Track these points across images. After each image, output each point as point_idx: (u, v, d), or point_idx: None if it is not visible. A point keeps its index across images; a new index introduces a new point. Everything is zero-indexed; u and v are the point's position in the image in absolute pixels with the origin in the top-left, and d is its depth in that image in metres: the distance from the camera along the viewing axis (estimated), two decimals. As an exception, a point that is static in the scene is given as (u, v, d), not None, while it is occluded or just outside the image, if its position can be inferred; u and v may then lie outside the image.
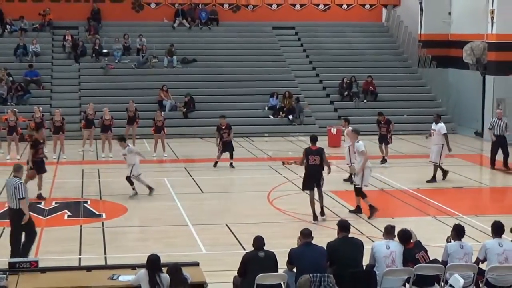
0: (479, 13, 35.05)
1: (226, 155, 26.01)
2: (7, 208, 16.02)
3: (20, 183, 15.10)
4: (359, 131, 21.06)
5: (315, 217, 18.86)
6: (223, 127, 26.05)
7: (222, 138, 25.93)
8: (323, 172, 19.19)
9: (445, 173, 24.36)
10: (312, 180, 19.09)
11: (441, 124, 24.38)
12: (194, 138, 32.85)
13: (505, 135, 25.87)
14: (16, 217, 15.07)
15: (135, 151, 21.56)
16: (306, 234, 12.45)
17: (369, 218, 19.23)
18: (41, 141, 21.55)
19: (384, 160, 27.05)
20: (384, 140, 27.17)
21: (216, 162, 25.99)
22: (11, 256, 14.58)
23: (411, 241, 12.86)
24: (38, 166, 20.77)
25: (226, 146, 25.94)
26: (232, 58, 39.06)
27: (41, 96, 34.90)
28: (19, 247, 15.10)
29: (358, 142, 20.10)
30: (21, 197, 14.90)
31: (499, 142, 25.91)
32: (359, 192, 19.73)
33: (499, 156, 26.17)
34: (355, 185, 19.94)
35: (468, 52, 34.69)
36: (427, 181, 23.97)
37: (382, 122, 27.24)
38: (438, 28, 39.47)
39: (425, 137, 26.25)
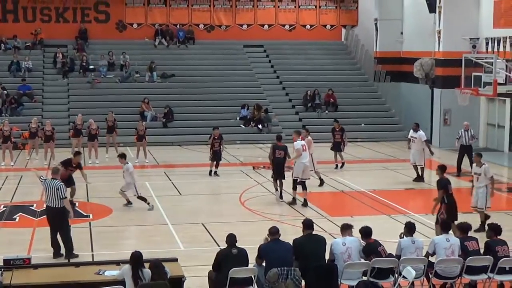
0: (427, 33, 35.27)
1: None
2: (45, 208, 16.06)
3: (61, 184, 15.35)
4: (300, 132, 22.04)
5: (280, 196, 21.21)
6: (216, 137, 25.69)
7: (213, 147, 25.49)
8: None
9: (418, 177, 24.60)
10: (278, 168, 21.20)
11: (421, 132, 24.68)
12: (173, 146, 32.75)
13: (471, 145, 25.83)
14: (58, 215, 15.30)
15: (131, 171, 20.14)
16: (274, 232, 12.47)
17: (288, 203, 20.79)
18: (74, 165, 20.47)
19: (342, 165, 26.88)
20: (337, 147, 26.82)
21: (211, 171, 25.53)
22: (54, 256, 15.31)
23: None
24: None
25: (215, 155, 25.51)
26: (207, 73, 38.97)
27: (33, 108, 34.61)
28: (59, 243, 15.45)
29: (298, 141, 21.06)
30: (63, 196, 15.22)
31: (464, 151, 25.89)
32: (294, 183, 20.89)
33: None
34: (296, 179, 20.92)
35: (418, 68, 34.87)
36: (414, 180, 24.44)
37: (337, 130, 26.97)
38: (391, 46, 39.68)
39: (408, 147, 25.79)
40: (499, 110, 32.24)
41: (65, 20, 40.22)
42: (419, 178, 24.50)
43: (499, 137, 32.23)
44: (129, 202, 20.43)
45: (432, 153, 24.86)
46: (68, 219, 15.62)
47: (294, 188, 20.95)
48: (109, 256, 15.06)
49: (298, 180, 20.81)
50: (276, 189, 21.61)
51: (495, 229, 13.28)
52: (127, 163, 20.29)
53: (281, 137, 21.83)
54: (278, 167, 21.24)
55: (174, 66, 39.11)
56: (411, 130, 25.17)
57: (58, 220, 15.39)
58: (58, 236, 15.49)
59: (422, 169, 24.66)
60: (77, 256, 15.31)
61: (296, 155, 20.87)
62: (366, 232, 12.98)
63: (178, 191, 23.11)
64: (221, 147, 25.82)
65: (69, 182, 19.77)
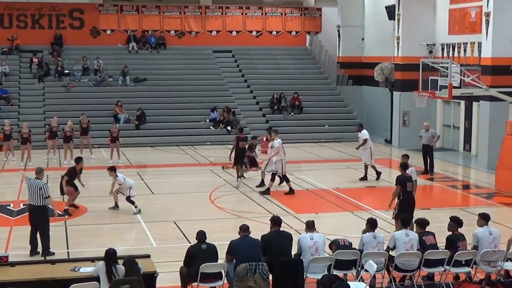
0: (387, 39, 35.54)
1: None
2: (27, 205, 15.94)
3: (44, 184, 15.33)
4: (278, 131, 23.50)
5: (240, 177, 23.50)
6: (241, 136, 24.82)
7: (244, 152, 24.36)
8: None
9: (378, 174, 24.58)
10: (241, 157, 23.59)
11: (363, 131, 24.75)
12: (145, 147, 32.59)
13: (432, 145, 25.97)
14: (39, 213, 15.27)
15: (122, 182, 19.60)
16: (244, 229, 12.49)
17: (285, 194, 21.95)
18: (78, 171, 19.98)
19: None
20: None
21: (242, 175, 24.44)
22: (31, 254, 15.18)
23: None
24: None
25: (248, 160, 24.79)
26: (178, 77, 38.87)
27: (10, 111, 34.21)
28: (37, 242, 15.36)
29: (277, 140, 22.30)
30: (46, 196, 15.18)
31: (425, 151, 26.09)
32: (285, 178, 22.31)
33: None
34: (275, 173, 22.24)
35: (378, 72, 35.09)
36: (360, 179, 24.45)
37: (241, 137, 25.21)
38: (353, 52, 39.91)
39: (356, 147, 25.68)
40: (454, 112, 32.55)
41: (41, 27, 39.87)
42: (377, 175, 24.57)
43: (454, 138, 32.54)
44: (116, 206, 19.91)
45: (357, 148, 25.10)
46: (49, 218, 15.53)
47: (272, 180, 22.19)
48: (84, 253, 15.00)
49: (278, 173, 22.25)
50: (239, 177, 23.50)
51: (457, 221, 13.38)
52: (117, 175, 19.55)
53: (242, 129, 25.68)
54: (241, 155, 23.56)
55: (146, 70, 38.93)
56: (358, 132, 25.33)
57: (40, 218, 15.31)
58: (37, 235, 15.37)
59: (366, 167, 24.57)
60: (53, 253, 15.18)
61: (276, 152, 22.04)
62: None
63: (150, 190, 23.01)
64: (254, 152, 25.42)
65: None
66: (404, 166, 17.17)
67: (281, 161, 22.21)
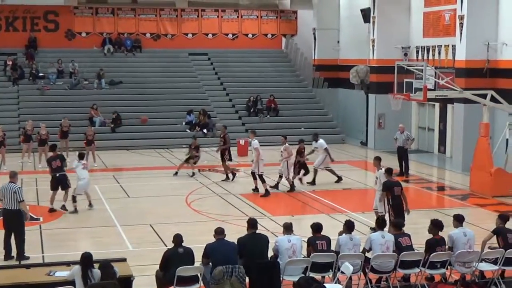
0: (362, 42, 35.72)
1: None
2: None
3: (18, 187, 15.24)
4: (255, 131, 24.04)
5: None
6: (221, 136, 25.64)
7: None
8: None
9: (339, 178, 24.66)
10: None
11: (321, 141, 24.53)
12: (121, 150, 32.45)
13: (406, 147, 26.03)
14: (14, 217, 15.15)
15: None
16: (219, 232, 12.46)
17: (261, 196, 22.07)
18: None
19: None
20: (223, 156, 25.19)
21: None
22: (5, 259, 15.03)
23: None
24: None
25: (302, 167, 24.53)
26: (154, 80, 38.76)
27: (-16, 114, 33.98)
28: (11, 246, 15.24)
29: (254, 140, 22.74)
30: (21, 200, 15.08)
31: (400, 153, 26.20)
32: (261, 178, 22.44)
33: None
34: (254, 172, 22.60)
35: (353, 75, 35.24)
36: (308, 183, 24.25)
37: (221, 136, 25.63)
38: (329, 54, 40.07)
39: (308, 154, 24.70)
40: (429, 114, 32.78)
41: (15, 29, 39.59)
42: (313, 182, 24.28)
43: (429, 139, 32.76)
44: (90, 204, 20.26)
45: (332, 160, 24.60)
46: (23, 222, 15.39)
47: (263, 181, 22.38)
48: (60, 257, 14.86)
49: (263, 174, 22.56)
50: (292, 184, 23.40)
51: (438, 225, 13.42)
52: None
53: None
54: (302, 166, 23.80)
55: (122, 73, 38.79)
56: (313, 142, 24.92)
57: (14, 222, 15.19)
58: (12, 239, 15.24)
59: (316, 171, 24.36)
60: (28, 258, 15.06)
61: (257, 154, 22.41)
62: (316, 227, 13.17)
63: (126, 194, 22.91)
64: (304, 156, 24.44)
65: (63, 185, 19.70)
66: (388, 170, 17.17)
67: (257, 162, 22.41)
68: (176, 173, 25.75)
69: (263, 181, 22.46)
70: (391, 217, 16.18)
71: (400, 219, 15.33)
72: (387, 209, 16.63)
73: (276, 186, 23.25)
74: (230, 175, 24.92)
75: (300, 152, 24.03)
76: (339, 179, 24.71)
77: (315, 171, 24.43)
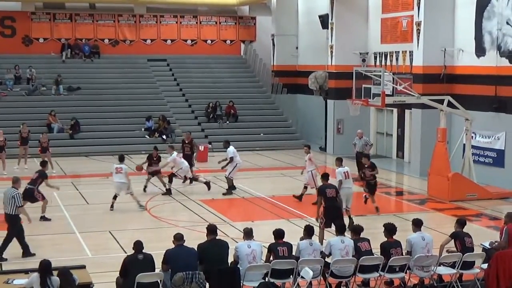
0: (321, 48, 35.93)
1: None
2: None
3: (17, 193, 15.59)
4: (229, 141, 24.40)
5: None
6: (186, 142, 25.42)
7: (184, 152, 25.14)
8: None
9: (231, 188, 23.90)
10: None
11: (229, 149, 23.74)
12: (79, 157, 32.18)
13: (364, 152, 26.02)
14: (11, 221, 15.63)
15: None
16: (178, 238, 12.41)
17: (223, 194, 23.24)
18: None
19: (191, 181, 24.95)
20: (189, 160, 24.95)
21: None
22: None
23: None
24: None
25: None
26: (112, 86, 38.52)
27: None
28: (5, 248, 15.71)
29: (229, 148, 23.52)
30: (19, 205, 15.63)
31: (358, 158, 26.24)
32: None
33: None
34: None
35: (312, 80, 35.43)
36: (223, 194, 23.51)
37: (186, 142, 25.46)
38: (287, 60, 40.25)
39: (219, 161, 24.49)
40: (387, 120, 33.08)
41: (-29, 35, 39.10)
42: (230, 190, 23.69)
43: (387, 145, 33.06)
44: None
45: (223, 167, 23.85)
46: (18, 228, 15.72)
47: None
48: (18, 265, 14.68)
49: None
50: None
51: (390, 230, 13.55)
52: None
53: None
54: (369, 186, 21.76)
55: (80, 79, 38.45)
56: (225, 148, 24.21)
57: (9, 226, 15.66)
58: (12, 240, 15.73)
59: (227, 179, 23.77)
60: (5, 260, 15.41)
61: (231, 161, 23.42)
62: (277, 233, 13.17)
63: (85, 200, 22.70)
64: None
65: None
66: (324, 176, 17.75)
67: (236, 165, 23.49)
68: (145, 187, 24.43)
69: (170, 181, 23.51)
70: (322, 220, 16.50)
71: (330, 221, 15.60)
72: (320, 212, 16.86)
73: (299, 197, 22.50)
74: (202, 179, 24.48)
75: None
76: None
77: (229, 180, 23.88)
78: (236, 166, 23.80)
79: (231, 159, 23.61)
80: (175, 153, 23.72)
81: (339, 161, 19.55)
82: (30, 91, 36.64)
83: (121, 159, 21.48)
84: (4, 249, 15.67)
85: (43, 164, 20.58)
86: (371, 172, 20.82)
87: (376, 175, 21.18)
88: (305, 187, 22.58)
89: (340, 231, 13.52)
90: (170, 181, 23.69)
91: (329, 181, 17.60)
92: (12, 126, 30.93)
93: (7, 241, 15.75)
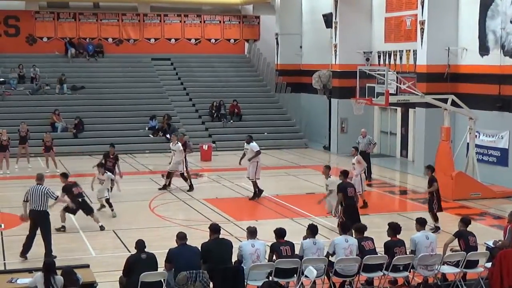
0: (324, 47, 35.90)
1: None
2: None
3: (48, 188, 15.80)
4: (252, 136, 23.71)
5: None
6: (111, 156, 23.77)
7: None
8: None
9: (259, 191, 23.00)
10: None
11: (253, 144, 22.92)
12: (83, 155, 32.20)
13: (368, 151, 25.82)
14: (42, 218, 15.60)
15: (112, 178, 20.81)
16: (181, 237, 12.41)
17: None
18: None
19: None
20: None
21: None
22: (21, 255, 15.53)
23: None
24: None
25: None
26: (116, 85, 38.56)
27: None
28: (31, 245, 15.69)
29: (252, 143, 22.68)
30: (55, 198, 16.07)
31: (362, 157, 26.06)
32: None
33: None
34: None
35: (316, 79, 35.39)
36: (250, 199, 22.74)
37: (111, 157, 23.63)
38: (291, 59, 40.20)
39: (240, 162, 23.74)
40: (391, 119, 33.05)
41: (-25, 34, 39.17)
42: (258, 193, 22.73)
43: (391, 144, 33.02)
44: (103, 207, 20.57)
45: (249, 160, 22.70)
46: (50, 222, 15.79)
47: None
48: (22, 264, 14.71)
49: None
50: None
51: (395, 228, 13.54)
52: (106, 172, 20.74)
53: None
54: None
55: (84, 78, 38.49)
56: (245, 143, 23.29)
57: (42, 223, 15.62)
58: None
59: (255, 183, 22.78)
60: (55, 257, 15.02)
61: (256, 154, 22.54)
62: (279, 232, 13.18)
63: (89, 199, 22.64)
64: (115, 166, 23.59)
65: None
66: (344, 173, 17.63)
67: (258, 164, 22.63)
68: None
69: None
70: (341, 219, 16.44)
71: (355, 221, 15.56)
72: (339, 210, 17.02)
73: (365, 205, 21.35)
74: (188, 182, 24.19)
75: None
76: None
77: (255, 184, 23.10)
78: (259, 165, 22.80)
79: (258, 152, 22.70)
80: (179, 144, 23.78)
81: (328, 169, 18.81)
82: (34, 90, 36.69)
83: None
84: (51, 245, 15.55)
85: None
86: (428, 190, 18.91)
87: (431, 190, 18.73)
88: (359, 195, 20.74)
89: (344, 230, 13.52)
90: (189, 179, 23.88)
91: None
92: (16, 126, 30.87)
93: (49, 238, 15.63)
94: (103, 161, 22.89)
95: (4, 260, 15.78)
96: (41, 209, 15.56)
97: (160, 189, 23.88)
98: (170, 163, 24.06)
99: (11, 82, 36.74)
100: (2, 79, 36.82)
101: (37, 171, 22.15)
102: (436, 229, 18.00)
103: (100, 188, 20.53)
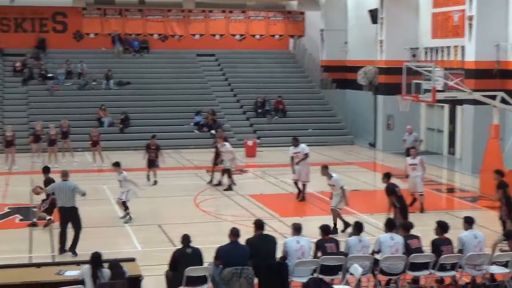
0: (370, 43, 35.64)
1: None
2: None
3: (75, 184, 15.95)
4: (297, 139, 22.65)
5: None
6: (153, 147, 24.64)
7: (149, 157, 24.58)
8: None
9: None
10: None
11: (302, 145, 22.25)
12: (129, 150, 32.42)
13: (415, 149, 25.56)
14: (72, 213, 15.76)
15: (128, 179, 19.47)
16: (235, 233, 12.40)
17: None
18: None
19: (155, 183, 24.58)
20: (152, 163, 24.70)
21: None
22: (60, 252, 15.61)
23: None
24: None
25: (150, 163, 24.59)
26: (161, 81, 38.81)
27: (-7, 114, 34.10)
28: (65, 240, 15.80)
29: (301, 144, 22.09)
30: (83, 193, 16.01)
31: (407, 154, 25.81)
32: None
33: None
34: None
35: (362, 76, 35.19)
36: (299, 200, 22.15)
37: (153, 148, 24.69)
38: (336, 55, 39.98)
39: (293, 168, 22.33)
40: (438, 116, 32.69)
41: (24, 30, 39.69)
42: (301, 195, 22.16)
43: (438, 141, 32.68)
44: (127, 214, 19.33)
45: (297, 163, 22.05)
46: (80, 217, 15.89)
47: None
48: (69, 257, 14.90)
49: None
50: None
51: (444, 227, 13.37)
52: (122, 172, 19.57)
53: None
54: None
55: (130, 74, 38.83)
56: (292, 147, 22.37)
57: (73, 218, 15.81)
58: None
59: (304, 185, 22.19)
60: (76, 255, 15.41)
61: (305, 157, 21.99)
62: (325, 229, 13.13)
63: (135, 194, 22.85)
64: (158, 156, 24.45)
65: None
66: (387, 175, 17.62)
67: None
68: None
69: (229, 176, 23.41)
70: (397, 220, 16.17)
71: (408, 220, 15.43)
72: (392, 211, 16.87)
73: (422, 210, 20.57)
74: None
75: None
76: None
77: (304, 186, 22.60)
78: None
79: (306, 155, 22.08)
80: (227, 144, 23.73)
81: (327, 169, 18.38)
82: (81, 85, 37.14)
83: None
84: (77, 242, 15.73)
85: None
86: (494, 199, 18.18)
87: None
88: (414, 198, 20.80)
89: (390, 227, 13.40)
90: (229, 176, 23.62)
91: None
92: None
93: (79, 233, 15.80)
94: (148, 155, 23.63)
95: (53, 252, 16.01)
96: (70, 205, 15.70)
97: (225, 190, 23.31)
98: (222, 161, 23.67)
99: (59, 77, 37.25)
100: (50, 75, 37.35)
101: (83, 165, 22.50)
102: None
103: (122, 190, 19.45)
